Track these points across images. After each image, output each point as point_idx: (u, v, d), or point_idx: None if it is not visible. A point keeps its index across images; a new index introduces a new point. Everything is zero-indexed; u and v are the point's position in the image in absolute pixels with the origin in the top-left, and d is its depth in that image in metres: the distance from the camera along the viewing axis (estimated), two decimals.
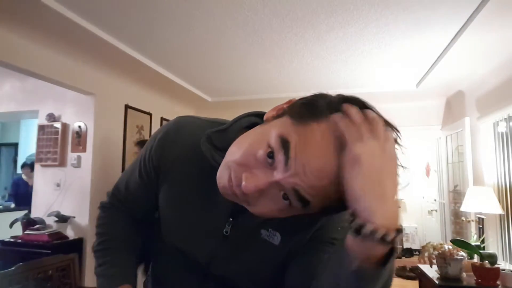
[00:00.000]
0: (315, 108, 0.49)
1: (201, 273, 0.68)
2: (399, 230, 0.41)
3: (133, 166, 0.76)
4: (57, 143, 3.29)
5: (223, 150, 0.57)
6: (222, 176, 0.53)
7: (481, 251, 2.37)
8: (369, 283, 0.43)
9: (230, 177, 0.51)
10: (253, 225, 0.61)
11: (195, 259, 0.67)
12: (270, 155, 0.48)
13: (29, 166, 4.39)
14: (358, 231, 0.40)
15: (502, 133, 3.09)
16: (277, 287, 0.63)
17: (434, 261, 2.37)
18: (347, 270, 0.44)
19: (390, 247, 0.41)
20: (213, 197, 0.61)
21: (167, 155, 0.67)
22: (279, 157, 0.47)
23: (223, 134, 0.60)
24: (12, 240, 3.04)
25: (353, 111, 0.45)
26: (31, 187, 3.96)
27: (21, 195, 4.31)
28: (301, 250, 0.61)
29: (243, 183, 0.48)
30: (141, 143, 3.59)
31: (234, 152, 0.53)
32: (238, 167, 0.51)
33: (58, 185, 3.29)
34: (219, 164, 0.55)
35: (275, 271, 0.63)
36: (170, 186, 0.67)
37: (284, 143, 0.47)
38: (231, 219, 0.62)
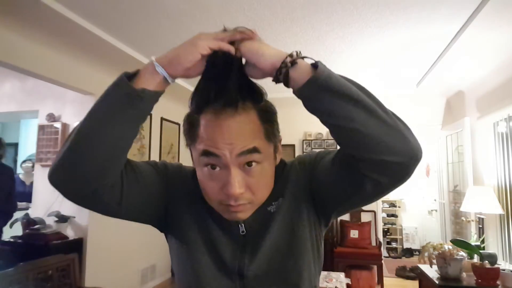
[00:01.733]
0: (191, 125, 0.67)
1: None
2: (294, 54, 0.59)
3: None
4: (57, 143, 3.29)
5: None
6: (217, 201, 0.65)
7: (481, 251, 2.37)
8: (317, 89, 0.56)
9: (224, 199, 0.64)
10: (257, 213, 0.68)
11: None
12: (213, 167, 0.63)
13: (30, 161, 4.38)
14: (286, 67, 0.58)
15: (502, 133, 3.09)
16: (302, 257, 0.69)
17: (434, 261, 2.37)
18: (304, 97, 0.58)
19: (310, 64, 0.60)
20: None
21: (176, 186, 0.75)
22: (216, 162, 0.62)
23: None
24: (12, 240, 3.03)
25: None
26: (28, 186, 3.96)
27: (18, 194, 4.30)
28: (318, 172, 0.70)
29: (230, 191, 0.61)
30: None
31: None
32: (220, 195, 0.65)
33: None
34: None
35: (296, 237, 0.69)
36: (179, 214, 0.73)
37: (207, 155, 0.62)
38: (241, 225, 0.70)
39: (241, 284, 0.68)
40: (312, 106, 0.58)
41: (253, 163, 0.62)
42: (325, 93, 0.55)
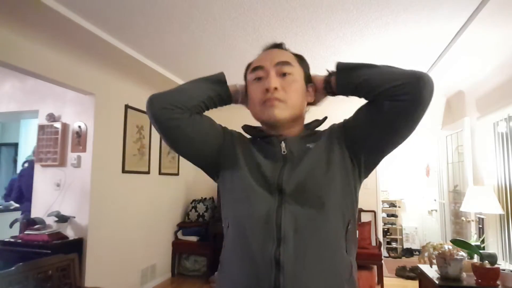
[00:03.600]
0: (248, 65, 0.98)
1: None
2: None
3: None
4: (57, 143, 3.29)
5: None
6: (259, 100, 0.87)
7: (481, 251, 2.37)
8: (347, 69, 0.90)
9: (264, 96, 0.85)
10: (298, 144, 0.87)
11: (267, 191, 0.82)
12: (259, 79, 0.88)
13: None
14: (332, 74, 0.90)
15: (502, 133, 3.09)
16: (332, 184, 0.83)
17: (434, 261, 2.37)
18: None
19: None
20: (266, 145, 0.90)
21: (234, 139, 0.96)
22: (262, 73, 0.87)
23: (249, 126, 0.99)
24: (12, 240, 3.03)
25: None
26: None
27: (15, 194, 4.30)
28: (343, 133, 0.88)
29: (269, 85, 0.84)
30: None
31: (253, 97, 0.91)
32: (262, 93, 0.86)
33: (58, 185, 3.29)
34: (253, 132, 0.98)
35: (329, 166, 0.83)
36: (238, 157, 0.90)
37: (255, 70, 0.90)
38: (282, 143, 0.87)
39: (279, 199, 0.79)
40: (346, 81, 0.86)
41: (287, 75, 0.86)
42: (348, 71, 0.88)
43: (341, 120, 0.92)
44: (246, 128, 0.98)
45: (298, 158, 0.84)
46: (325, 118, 0.96)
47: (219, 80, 0.91)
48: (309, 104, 0.95)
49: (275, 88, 0.82)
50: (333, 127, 0.91)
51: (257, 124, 0.97)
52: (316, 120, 0.95)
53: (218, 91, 0.91)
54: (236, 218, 0.83)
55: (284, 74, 0.85)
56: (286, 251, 0.73)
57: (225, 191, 0.90)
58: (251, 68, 0.90)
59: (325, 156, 0.84)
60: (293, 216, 0.77)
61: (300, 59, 0.92)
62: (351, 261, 0.80)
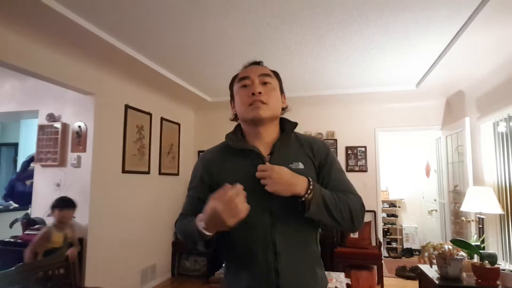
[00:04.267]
0: (233, 78, 1.19)
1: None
2: (308, 192, 0.94)
3: (189, 191, 1.14)
4: (57, 143, 3.29)
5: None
6: (246, 103, 1.05)
7: (481, 251, 2.37)
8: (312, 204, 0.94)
9: (251, 99, 1.04)
10: (283, 164, 0.99)
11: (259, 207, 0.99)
12: (245, 86, 1.08)
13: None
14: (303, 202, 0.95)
15: (502, 133, 3.09)
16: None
17: (434, 261, 2.37)
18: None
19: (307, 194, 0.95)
20: (245, 158, 1.05)
21: (208, 165, 1.10)
22: (248, 82, 1.08)
23: (231, 133, 1.14)
24: (12, 240, 3.04)
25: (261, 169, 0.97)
26: (28, 186, 3.95)
27: (18, 194, 4.30)
28: (323, 165, 1.08)
29: (255, 91, 1.04)
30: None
31: (240, 102, 1.09)
32: (249, 97, 1.05)
33: (58, 185, 3.29)
34: (233, 145, 1.07)
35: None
36: (223, 178, 1.02)
37: (241, 80, 1.10)
38: (267, 160, 1.04)
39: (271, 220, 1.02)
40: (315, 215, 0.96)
41: (268, 84, 1.08)
42: (321, 208, 0.96)
43: (328, 147, 1.14)
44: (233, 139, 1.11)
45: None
46: (296, 124, 1.15)
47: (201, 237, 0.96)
48: (282, 109, 1.15)
49: (259, 92, 1.03)
50: (320, 150, 1.10)
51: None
52: (289, 122, 1.14)
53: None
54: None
55: (265, 83, 1.07)
56: (281, 262, 0.99)
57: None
58: (238, 78, 1.11)
59: (303, 169, 1.05)
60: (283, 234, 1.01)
61: (276, 74, 1.15)
62: (318, 251, 1.10)
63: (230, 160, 1.06)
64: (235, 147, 1.05)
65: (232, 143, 1.06)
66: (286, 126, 1.12)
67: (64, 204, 2.64)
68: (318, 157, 1.08)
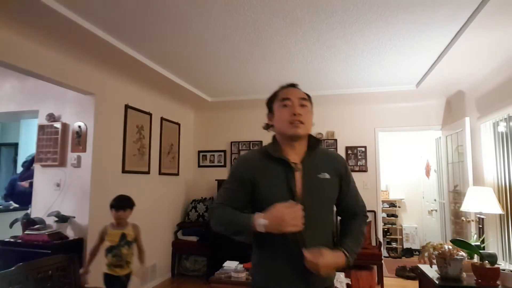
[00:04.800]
0: (274, 94, 1.39)
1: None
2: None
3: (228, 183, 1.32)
4: (57, 143, 3.29)
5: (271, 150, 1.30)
6: (287, 121, 1.26)
7: (481, 251, 2.36)
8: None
9: (292, 118, 1.25)
10: (312, 173, 1.26)
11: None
12: (285, 106, 1.29)
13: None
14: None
15: (502, 133, 3.09)
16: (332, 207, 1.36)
17: (434, 261, 2.37)
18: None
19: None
20: (279, 165, 1.26)
21: (249, 165, 1.30)
22: (289, 103, 1.28)
23: (269, 144, 1.34)
24: (12, 240, 3.03)
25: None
26: (27, 187, 3.95)
27: (18, 194, 4.30)
28: (343, 177, 1.35)
29: (296, 111, 1.26)
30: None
31: (280, 119, 1.30)
32: (290, 116, 1.26)
33: (58, 185, 3.29)
34: (273, 154, 1.27)
35: (334, 195, 1.32)
36: (261, 179, 1.25)
37: (283, 100, 1.30)
38: (300, 168, 1.27)
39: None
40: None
41: (305, 106, 1.28)
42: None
43: (347, 164, 1.40)
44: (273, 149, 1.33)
45: (310, 184, 1.27)
46: (320, 140, 1.44)
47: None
48: None
49: (300, 114, 1.24)
50: (341, 164, 1.36)
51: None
52: (314, 138, 1.34)
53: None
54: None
55: (303, 105, 1.27)
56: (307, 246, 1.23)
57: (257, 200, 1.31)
58: (280, 98, 1.31)
59: (333, 186, 1.33)
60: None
61: (309, 97, 1.34)
62: (333, 229, 1.34)
63: (268, 165, 1.26)
64: (275, 156, 1.26)
65: (272, 153, 1.27)
66: (313, 141, 1.33)
67: (119, 206, 2.61)
68: (339, 170, 1.32)
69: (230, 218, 1.22)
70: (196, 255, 4.63)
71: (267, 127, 1.38)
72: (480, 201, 2.78)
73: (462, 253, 2.33)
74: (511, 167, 2.93)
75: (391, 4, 2.19)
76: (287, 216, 1.09)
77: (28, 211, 3.53)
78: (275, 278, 1.23)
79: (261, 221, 1.12)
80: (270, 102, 1.36)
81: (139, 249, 2.72)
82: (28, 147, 4.83)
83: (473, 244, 2.41)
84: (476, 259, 2.49)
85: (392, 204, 6.37)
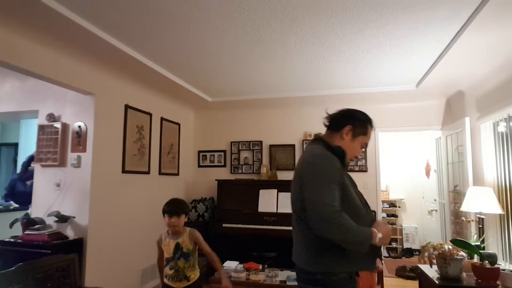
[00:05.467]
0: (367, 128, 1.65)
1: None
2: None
3: (326, 185, 1.37)
4: (57, 143, 3.29)
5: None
6: (354, 155, 1.57)
7: (481, 251, 2.36)
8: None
9: (356, 156, 1.59)
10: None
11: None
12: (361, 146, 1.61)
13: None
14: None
15: (502, 133, 3.09)
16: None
17: (434, 261, 2.37)
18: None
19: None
20: (347, 176, 1.50)
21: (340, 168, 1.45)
22: (365, 147, 1.63)
23: (338, 149, 1.53)
24: (12, 240, 3.03)
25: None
26: (28, 186, 3.95)
27: (18, 194, 4.30)
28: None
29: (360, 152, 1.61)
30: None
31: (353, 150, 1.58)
32: (357, 155, 1.60)
33: (58, 185, 3.29)
34: (345, 164, 1.50)
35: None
36: (347, 183, 1.44)
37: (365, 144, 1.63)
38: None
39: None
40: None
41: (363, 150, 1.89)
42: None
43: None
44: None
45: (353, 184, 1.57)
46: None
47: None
48: None
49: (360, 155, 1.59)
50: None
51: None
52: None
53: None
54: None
55: (364, 150, 1.62)
56: None
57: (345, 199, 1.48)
58: (366, 140, 1.58)
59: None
60: None
61: None
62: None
63: (343, 170, 1.42)
64: (344, 164, 1.46)
65: (344, 162, 1.46)
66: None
67: (172, 211, 2.33)
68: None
69: (358, 232, 1.28)
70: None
71: (337, 129, 1.63)
72: (480, 201, 2.78)
73: (462, 253, 2.33)
74: (511, 167, 2.93)
75: (391, 4, 2.19)
76: (390, 232, 1.34)
77: (28, 211, 3.53)
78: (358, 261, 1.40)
79: (379, 235, 1.28)
80: (361, 125, 1.57)
81: (207, 256, 2.37)
82: (28, 147, 4.83)
83: (473, 244, 2.41)
84: (476, 259, 2.49)
85: (392, 204, 6.37)
